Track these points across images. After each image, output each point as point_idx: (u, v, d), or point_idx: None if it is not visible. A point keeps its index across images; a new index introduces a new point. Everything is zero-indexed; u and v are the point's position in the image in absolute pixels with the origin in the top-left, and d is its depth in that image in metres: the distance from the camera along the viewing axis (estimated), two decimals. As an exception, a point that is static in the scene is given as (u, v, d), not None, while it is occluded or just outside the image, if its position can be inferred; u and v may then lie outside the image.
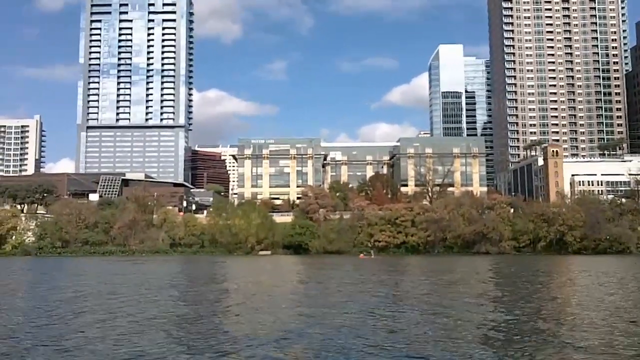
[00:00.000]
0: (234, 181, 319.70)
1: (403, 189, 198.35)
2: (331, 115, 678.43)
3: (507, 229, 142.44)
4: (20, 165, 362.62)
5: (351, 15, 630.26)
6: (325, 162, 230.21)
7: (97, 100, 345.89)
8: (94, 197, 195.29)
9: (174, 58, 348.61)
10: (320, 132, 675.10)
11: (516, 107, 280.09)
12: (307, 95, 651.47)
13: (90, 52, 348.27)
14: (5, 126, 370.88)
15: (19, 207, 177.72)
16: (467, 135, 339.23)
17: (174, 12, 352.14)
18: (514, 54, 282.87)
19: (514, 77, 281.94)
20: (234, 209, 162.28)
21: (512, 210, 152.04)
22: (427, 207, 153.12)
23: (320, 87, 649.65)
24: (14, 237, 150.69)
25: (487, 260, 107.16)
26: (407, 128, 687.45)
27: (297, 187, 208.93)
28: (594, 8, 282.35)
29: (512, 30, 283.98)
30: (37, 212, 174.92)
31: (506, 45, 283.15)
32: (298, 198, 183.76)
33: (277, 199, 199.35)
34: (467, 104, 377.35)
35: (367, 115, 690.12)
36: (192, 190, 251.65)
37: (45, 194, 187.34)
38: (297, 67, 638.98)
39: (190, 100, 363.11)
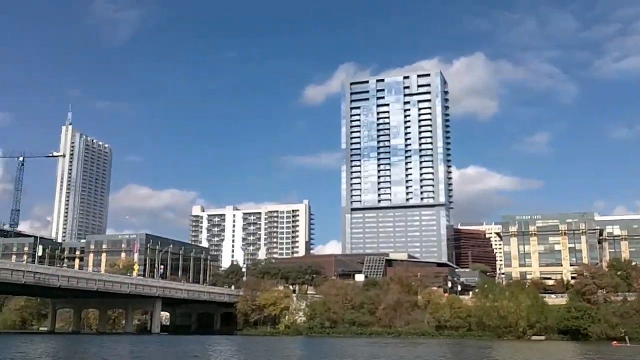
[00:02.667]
0: (500, 260, 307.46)
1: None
2: (605, 187, 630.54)
3: None
4: (292, 248, 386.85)
5: (619, 79, 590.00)
6: (601, 237, 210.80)
7: (359, 183, 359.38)
8: (359, 277, 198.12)
9: (431, 137, 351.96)
10: (593, 205, 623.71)
11: None
12: (575, 167, 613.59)
13: (351, 137, 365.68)
14: (278, 211, 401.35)
15: (291, 287, 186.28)
16: None
17: (429, 93, 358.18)
18: None
19: None
20: (502, 289, 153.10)
21: None
22: None
23: (589, 156, 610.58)
24: (286, 316, 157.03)
25: None
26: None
27: (570, 265, 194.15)
28: None
29: None
30: (307, 292, 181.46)
31: None
32: (572, 278, 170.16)
33: (549, 278, 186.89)
34: None
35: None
36: (456, 270, 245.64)
37: (314, 275, 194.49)
38: (562, 137, 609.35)
39: (450, 178, 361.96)
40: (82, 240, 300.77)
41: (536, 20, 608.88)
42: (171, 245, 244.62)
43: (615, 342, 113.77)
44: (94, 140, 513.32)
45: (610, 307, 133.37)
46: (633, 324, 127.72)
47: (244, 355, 77.11)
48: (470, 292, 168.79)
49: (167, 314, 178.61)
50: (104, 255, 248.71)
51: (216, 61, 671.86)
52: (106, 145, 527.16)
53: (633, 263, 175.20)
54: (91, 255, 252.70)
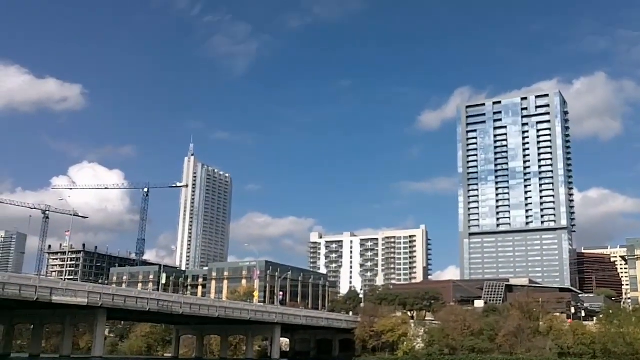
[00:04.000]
0: (626, 285, 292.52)
1: None
2: None
3: None
4: (410, 274, 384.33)
5: None
6: None
7: (477, 207, 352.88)
8: (478, 303, 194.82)
9: (551, 159, 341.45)
10: None
11: None
12: None
13: (468, 162, 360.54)
14: (395, 237, 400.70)
15: (409, 314, 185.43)
16: None
17: (548, 114, 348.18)
18: None
19: None
20: (628, 315, 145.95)
21: None
22: None
23: None
24: (405, 343, 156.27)
25: None
26: None
27: None
28: None
29: None
30: (425, 318, 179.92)
31: None
32: None
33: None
34: None
35: None
36: (580, 295, 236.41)
37: (432, 301, 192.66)
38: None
39: (571, 201, 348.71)
40: (205, 268, 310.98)
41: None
42: (290, 272, 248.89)
43: None
44: (215, 170, 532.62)
45: None
46: None
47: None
48: (595, 318, 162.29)
49: (287, 340, 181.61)
50: (225, 282, 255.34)
51: (331, 90, 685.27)
52: (227, 175, 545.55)
53: None
54: (213, 282, 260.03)
